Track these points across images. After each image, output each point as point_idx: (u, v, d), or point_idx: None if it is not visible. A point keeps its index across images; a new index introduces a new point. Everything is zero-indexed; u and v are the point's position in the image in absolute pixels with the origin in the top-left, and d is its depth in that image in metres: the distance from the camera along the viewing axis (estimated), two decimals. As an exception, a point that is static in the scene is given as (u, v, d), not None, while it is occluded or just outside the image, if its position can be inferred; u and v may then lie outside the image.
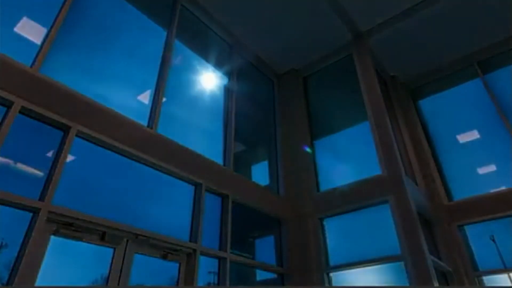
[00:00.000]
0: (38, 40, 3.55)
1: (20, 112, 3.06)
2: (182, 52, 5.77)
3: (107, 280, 3.22)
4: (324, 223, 5.56)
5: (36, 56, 3.41)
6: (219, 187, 4.78)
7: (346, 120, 6.53)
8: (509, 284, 5.15)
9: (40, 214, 2.86)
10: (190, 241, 4.13)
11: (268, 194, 5.72)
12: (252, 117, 7.22)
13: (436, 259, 5.05)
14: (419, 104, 7.41)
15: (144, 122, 4.25)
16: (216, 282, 4.33)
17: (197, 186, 4.54)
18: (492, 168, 6.17)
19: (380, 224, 5.29)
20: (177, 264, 3.92)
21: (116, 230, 3.38)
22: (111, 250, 3.36)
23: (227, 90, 6.31)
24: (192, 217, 4.32)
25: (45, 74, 3.36)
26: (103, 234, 3.30)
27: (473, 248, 5.60)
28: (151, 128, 4.29)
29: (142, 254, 3.61)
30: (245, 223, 5.95)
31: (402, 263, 4.49)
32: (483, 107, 6.46)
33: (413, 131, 6.83)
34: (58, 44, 3.68)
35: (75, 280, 3.14)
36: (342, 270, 5.10)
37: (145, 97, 4.65)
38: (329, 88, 7.09)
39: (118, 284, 3.24)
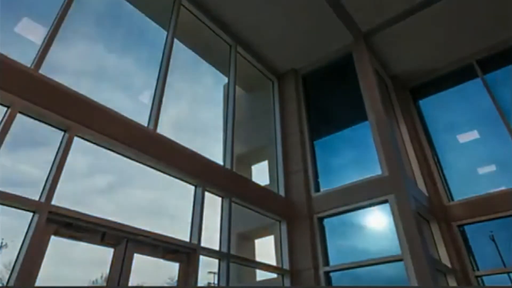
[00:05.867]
0: (38, 40, 3.55)
1: (20, 112, 3.07)
2: (182, 52, 5.77)
3: (107, 280, 3.22)
4: (324, 223, 5.56)
5: (36, 56, 3.41)
6: (219, 187, 4.77)
7: (346, 120, 6.53)
8: (509, 284, 5.15)
9: (40, 214, 2.86)
10: (190, 241, 4.12)
11: (268, 194, 5.72)
12: (252, 117, 7.22)
13: (436, 259, 5.05)
14: (419, 104, 7.40)
15: (144, 122, 4.25)
16: (216, 282, 4.33)
17: (197, 186, 4.54)
18: (492, 168, 6.17)
19: (380, 224, 5.30)
20: (177, 264, 3.92)
21: (116, 230, 3.38)
22: (111, 250, 3.36)
23: (226, 90, 6.31)
24: (192, 217, 4.31)
25: (45, 74, 3.36)
26: (103, 234, 3.30)
27: (473, 248, 5.60)
28: (151, 128, 4.29)
29: (142, 254, 3.60)
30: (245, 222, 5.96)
31: (402, 263, 4.49)
32: (483, 107, 6.46)
33: (413, 131, 6.83)
34: (58, 44, 3.67)
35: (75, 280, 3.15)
36: (342, 270, 5.10)
37: (145, 97, 4.66)
38: (329, 88, 7.09)
39: (118, 284, 3.23)
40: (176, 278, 3.87)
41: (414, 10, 6.05)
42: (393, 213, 4.81)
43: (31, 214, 2.89)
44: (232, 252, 4.62)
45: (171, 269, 3.87)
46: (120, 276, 3.29)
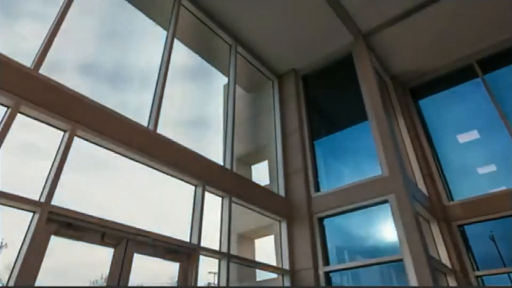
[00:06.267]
0: (38, 40, 3.55)
1: (20, 112, 3.07)
2: (182, 52, 5.77)
3: (107, 280, 3.22)
4: (324, 223, 5.56)
5: (36, 56, 3.41)
6: (219, 187, 4.77)
7: (346, 120, 6.53)
8: (509, 284, 5.15)
9: (40, 214, 2.86)
10: (190, 241, 4.13)
11: (268, 194, 5.72)
12: (252, 117, 7.22)
13: (436, 259, 5.05)
14: (419, 104, 7.40)
15: (144, 122, 4.25)
16: (216, 282, 4.33)
17: (197, 186, 4.54)
18: (492, 168, 6.17)
19: (380, 224, 5.30)
20: (177, 264, 3.92)
21: (116, 230, 3.38)
22: (111, 250, 3.36)
23: (226, 90, 6.30)
24: (192, 217, 4.32)
25: (45, 74, 3.36)
26: (103, 234, 3.30)
27: (473, 248, 5.60)
28: (151, 128, 4.29)
29: (142, 254, 3.60)
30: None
31: (402, 263, 4.49)
32: (483, 107, 6.46)
33: (413, 131, 6.83)
34: (58, 44, 3.67)
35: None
36: (341, 271, 5.10)
37: (146, 97, 4.66)
38: (329, 88, 7.09)
39: (118, 284, 3.23)
40: (176, 278, 3.87)
41: (414, 10, 6.05)
42: (393, 213, 4.81)
43: (31, 214, 2.89)
44: (232, 252, 4.62)
45: (171, 269, 3.87)
46: (120, 276, 3.29)
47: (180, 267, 3.91)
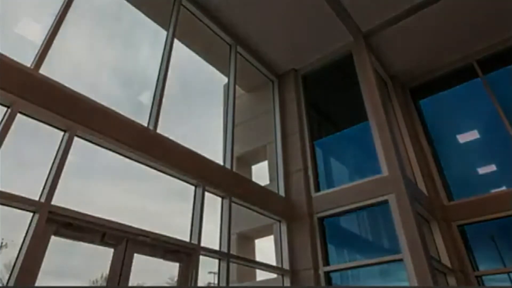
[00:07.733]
0: (38, 40, 3.55)
1: (20, 112, 3.07)
2: (182, 52, 5.76)
3: (107, 280, 3.22)
4: (324, 223, 5.56)
5: (36, 56, 3.41)
6: (219, 187, 4.77)
7: (346, 120, 6.53)
8: (509, 284, 5.15)
9: (40, 214, 2.86)
10: (190, 241, 4.12)
11: (268, 194, 5.72)
12: (252, 117, 7.22)
13: (436, 259, 5.05)
14: (419, 104, 7.40)
15: (144, 122, 4.25)
16: (216, 282, 4.33)
17: (197, 186, 4.54)
18: (492, 168, 6.17)
19: (380, 224, 5.30)
20: (177, 264, 3.92)
21: (116, 230, 3.38)
22: (111, 250, 3.36)
23: (226, 90, 6.31)
24: (192, 217, 4.32)
25: (45, 74, 3.36)
26: (103, 234, 3.30)
27: (473, 248, 5.59)
28: (151, 128, 4.29)
29: (142, 254, 3.60)
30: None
31: (402, 263, 4.49)
32: (483, 107, 6.46)
33: (413, 131, 6.83)
34: (58, 44, 3.67)
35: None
36: (342, 271, 5.10)
37: (146, 97, 4.66)
38: (330, 88, 7.09)
39: (118, 284, 3.23)
40: (176, 278, 3.87)
41: (414, 10, 6.04)
42: (393, 213, 4.80)
43: (31, 214, 2.89)
44: (232, 252, 4.62)
45: (171, 269, 3.87)
46: (120, 276, 3.29)
47: (180, 267, 3.91)
